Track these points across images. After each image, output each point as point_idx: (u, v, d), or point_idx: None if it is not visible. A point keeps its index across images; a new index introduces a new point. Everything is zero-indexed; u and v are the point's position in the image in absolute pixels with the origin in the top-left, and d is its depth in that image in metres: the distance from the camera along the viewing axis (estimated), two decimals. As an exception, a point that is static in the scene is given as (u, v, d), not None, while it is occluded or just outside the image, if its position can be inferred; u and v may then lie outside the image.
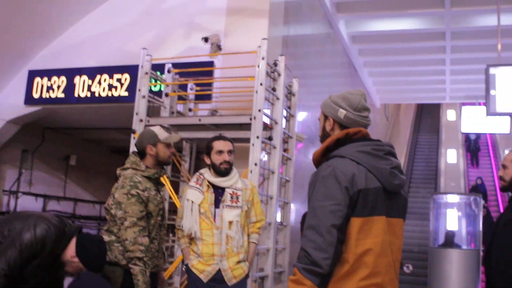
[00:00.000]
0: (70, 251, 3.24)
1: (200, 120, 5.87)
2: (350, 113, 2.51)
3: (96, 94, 8.01)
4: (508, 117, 14.55)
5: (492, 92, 7.92)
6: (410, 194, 16.71)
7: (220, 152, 3.92)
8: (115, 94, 7.81)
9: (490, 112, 8.13)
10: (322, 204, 2.28)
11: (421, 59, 13.01)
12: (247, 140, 6.00)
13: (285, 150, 6.54)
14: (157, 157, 3.78)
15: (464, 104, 16.79)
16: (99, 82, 7.90)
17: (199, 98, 7.08)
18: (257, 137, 5.59)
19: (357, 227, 2.29)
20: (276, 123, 6.04)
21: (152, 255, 3.67)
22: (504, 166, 3.51)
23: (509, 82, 7.91)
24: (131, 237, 3.52)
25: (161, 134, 3.80)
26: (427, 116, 22.48)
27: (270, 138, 5.98)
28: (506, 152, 3.61)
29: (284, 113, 6.45)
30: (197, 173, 4.03)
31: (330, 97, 2.60)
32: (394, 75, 14.44)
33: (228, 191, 3.91)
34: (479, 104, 16.08)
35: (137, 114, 6.04)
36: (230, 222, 3.84)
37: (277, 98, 6.11)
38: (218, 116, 5.99)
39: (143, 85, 6.08)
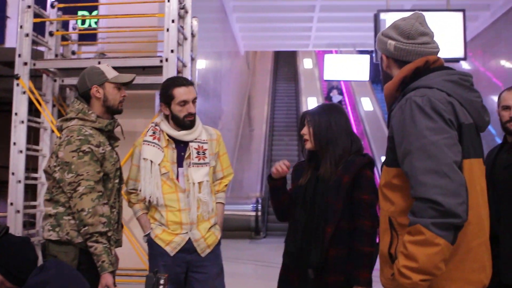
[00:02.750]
0: None
1: (99, 62, 5.07)
2: (400, 43, 2.07)
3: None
4: (367, 64, 15.07)
5: (383, 37, 7.89)
6: (274, 142, 16.77)
7: (184, 102, 3.12)
8: (-24, 34, 6.59)
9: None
10: (432, 140, 1.81)
11: (290, 4, 12.82)
12: (152, 86, 5.38)
13: (188, 97, 5.97)
14: (105, 102, 2.95)
15: (325, 52, 17.11)
16: (-46, 20, 6.60)
17: (84, 38, 6.19)
18: (171, 81, 4.96)
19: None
20: (185, 66, 5.44)
21: (112, 227, 2.86)
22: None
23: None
24: (89, 207, 2.73)
25: (110, 71, 2.99)
26: (284, 65, 22.60)
27: (180, 83, 5.37)
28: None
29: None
30: (152, 124, 3.23)
31: (382, 31, 2.17)
32: (261, 21, 14.14)
33: (193, 146, 3.17)
34: (336, 52, 16.50)
35: (20, 56, 5.11)
36: (200, 183, 3.14)
37: (185, 38, 5.50)
38: (122, 59, 5.22)
39: (26, 22, 5.13)
